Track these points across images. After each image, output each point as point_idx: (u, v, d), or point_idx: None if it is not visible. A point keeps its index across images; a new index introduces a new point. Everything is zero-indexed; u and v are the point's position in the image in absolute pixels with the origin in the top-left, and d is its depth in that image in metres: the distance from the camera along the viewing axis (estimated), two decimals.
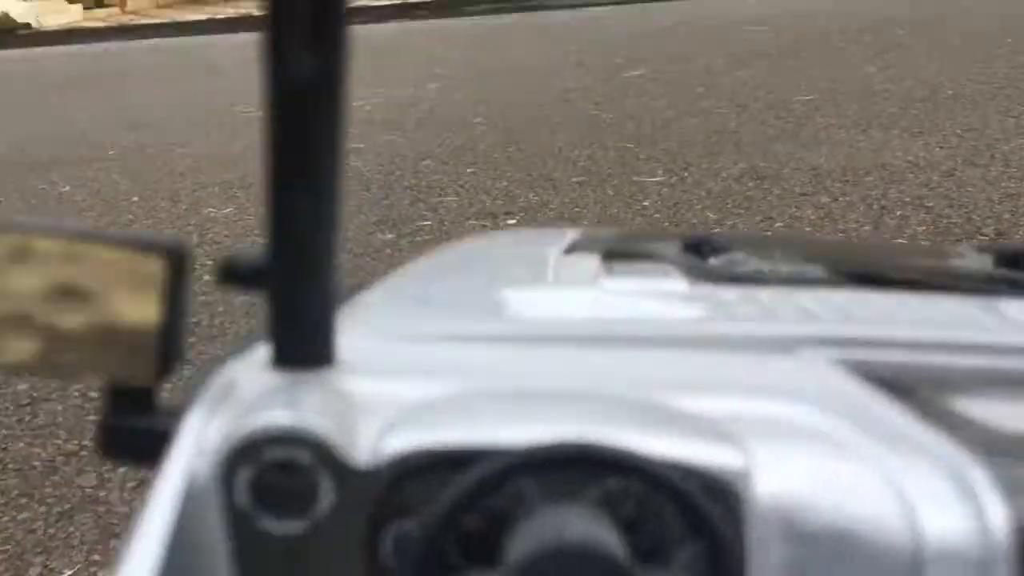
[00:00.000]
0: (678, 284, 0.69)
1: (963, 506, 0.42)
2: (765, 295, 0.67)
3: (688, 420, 0.46)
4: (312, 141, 0.44)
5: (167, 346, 0.51)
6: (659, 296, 0.66)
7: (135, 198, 4.51)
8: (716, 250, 0.83)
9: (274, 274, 0.46)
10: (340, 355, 0.49)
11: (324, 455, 0.43)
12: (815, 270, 0.80)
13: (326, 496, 0.44)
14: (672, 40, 7.19)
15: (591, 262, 0.76)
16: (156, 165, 5.06)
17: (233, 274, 0.48)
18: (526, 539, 0.40)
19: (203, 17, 13.28)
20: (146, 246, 0.51)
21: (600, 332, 0.57)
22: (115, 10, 14.91)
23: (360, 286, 0.73)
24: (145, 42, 10.90)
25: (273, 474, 0.43)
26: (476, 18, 9.94)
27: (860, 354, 0.56)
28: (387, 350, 0.53)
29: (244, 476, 0.44)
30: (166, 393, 0.54)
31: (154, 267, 0.50)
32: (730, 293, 0.67)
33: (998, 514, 0.42)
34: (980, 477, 0.43)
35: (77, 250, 0.51)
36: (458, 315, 0.63)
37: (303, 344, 0.48)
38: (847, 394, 0.50)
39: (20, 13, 13.84)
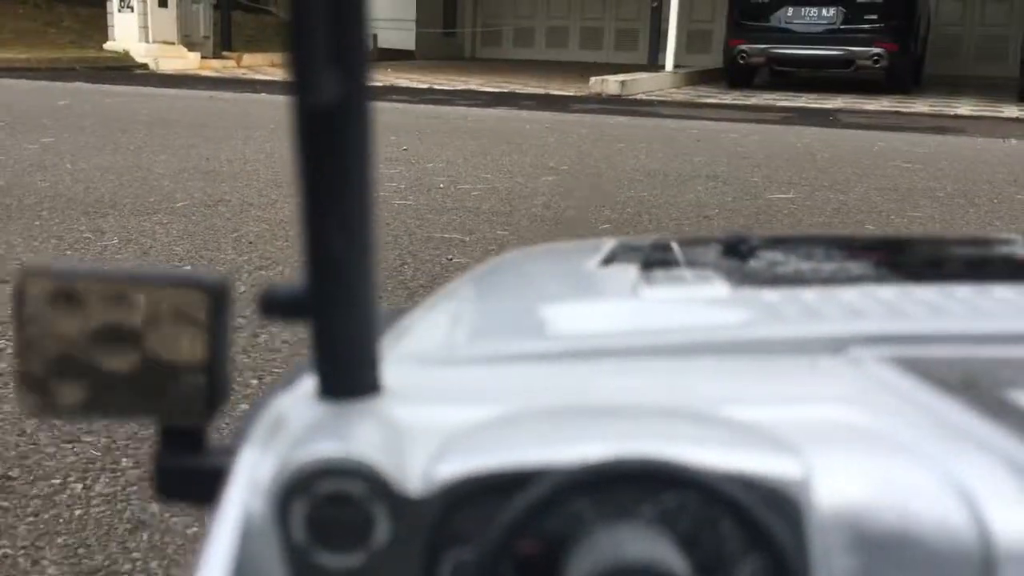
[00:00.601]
0: (719, 289, 0.63)
1: None
2: (809, 295, 0.60)
3: (742, 429, 0.41)
4: (340, 165, 0.41)
5: (213, 383, 0.47)
6: (701, 303, 0.60)
7: (187, 266, 3.44)
8: (755, 251, 0.76)
9: (314, 304, 0.43)
10: (386, 382, 0.45)
11: (377, 486, 0.40)
12: (858, 267, 0.76)
13: (381, 527, 0.40)
14: (813, 165, 6.04)
15: (630, 272, 0.69)
16: (225, 228, 4.00)
17: (275, 306, 0.44)
18: (584, 560, 0.37)
19: None
20: (186, 283, 0.46)
21: (644, 343, 0.53)
22: (231, 63, 14.27)
23: (401, 312, 0.66)
24: (253, 95, 10.07)
25: (328, 508, 0.40)
26: (586, 115, 8.94)
27: (913, 350, 0.51)
28: (432, 375, 0.50)
29: (299, 511, 0.40)
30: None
31: (196, 304, 0.46)
32: (773, 295, 0.61)
33: None
34: None
35: (118, 291, 0.46)
36: (500, 335, 0.58)
37: (348, 373, 0.44)
38: (902, 393, 0.46)
39: (140, 53, 13.25)
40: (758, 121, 8.67)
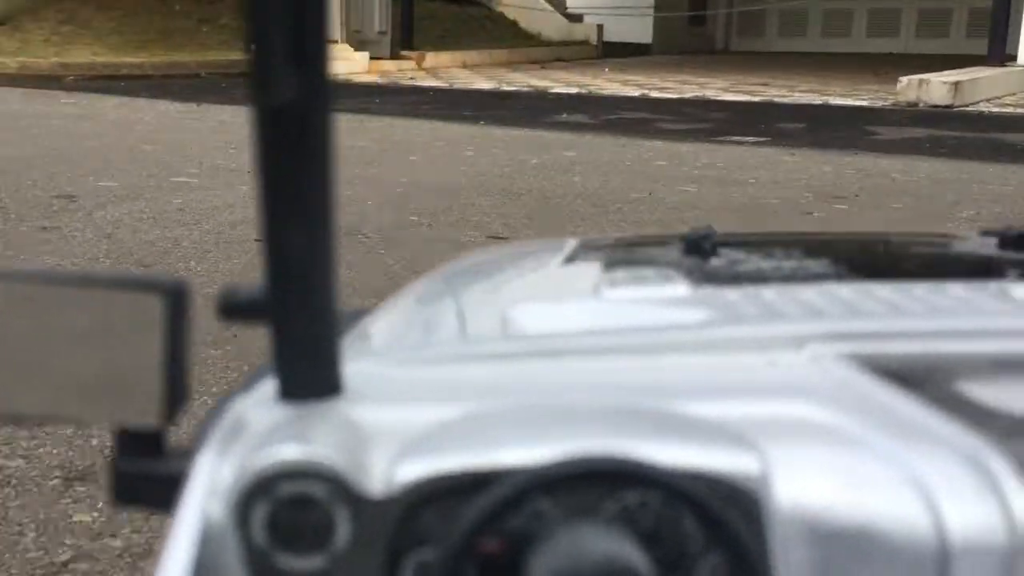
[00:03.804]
0: (680, 288, 0.62)
1: (986, 496, 0.37)
2: (769, 293, 0.60)
3: (701, 426, 0.41)
4: (300, 166, 0.39)
5: (171, 387, 0.45)
6: (662, 302, 0.59)
7: None
8: (716, 250, 0.73)
9: (273, 305, 0.41)
10: (347, 384, 0.44)
11: (338, 487, 0.38)
12: (817, 265, 0.74)
13: (343, 529, 0.39)
14: None
15: (591, 271, 0.67)
16: None
17: (233, 308, 0.43)
18: (547, 559, 0.36)
19: (487, 86, 8.72)
20: (143, 286, 0.45)
21: (605, 343, 0.52)
22: (410, 63, 10.82)
23: (362, 312, 0.63)
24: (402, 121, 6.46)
25: (288, 510, 0.38)
26: (906, 165, 4.50)
27: (869, 347, 0.50)
28: (393, 375, 0.47)
29: (259, 514, 0.38)
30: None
31: (153, 307, 0.44)
32: (733, 293, 0.60)
33: (1022, 502, 0.37)
34: (1001, 465, 0.38)
35: (74, 295, 0.45)
36: (461, 335, 0.57)
37: (308, 375, 0.42)
38: (859, 389, 0.45)
39: None
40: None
